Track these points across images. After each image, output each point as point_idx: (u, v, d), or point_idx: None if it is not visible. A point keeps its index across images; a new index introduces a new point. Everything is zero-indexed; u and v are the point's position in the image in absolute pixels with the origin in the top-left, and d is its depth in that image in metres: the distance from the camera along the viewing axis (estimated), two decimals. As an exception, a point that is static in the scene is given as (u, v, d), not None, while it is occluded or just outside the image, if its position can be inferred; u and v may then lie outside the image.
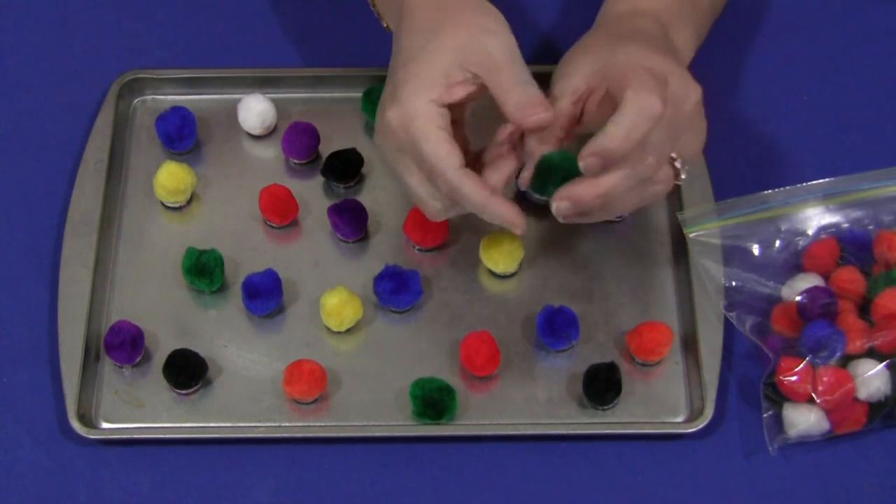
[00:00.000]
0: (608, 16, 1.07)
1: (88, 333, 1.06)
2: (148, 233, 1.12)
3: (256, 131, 1.16)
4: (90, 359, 1.06)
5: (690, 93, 0.97)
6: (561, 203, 0.97)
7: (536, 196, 1.08)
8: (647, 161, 0.95)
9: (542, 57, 1.20)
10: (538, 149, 0.99)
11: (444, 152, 0.95)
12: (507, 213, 0.97)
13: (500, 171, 0.98)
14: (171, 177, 1.11)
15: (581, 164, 0.95)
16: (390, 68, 1.00)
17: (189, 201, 1.13)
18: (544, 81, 1.18)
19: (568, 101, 1.00)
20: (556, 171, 0.99)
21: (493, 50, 0.96)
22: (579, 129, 1.01)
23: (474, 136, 1.03)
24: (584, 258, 1.11)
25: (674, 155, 0.98)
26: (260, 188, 1.12)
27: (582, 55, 1.02)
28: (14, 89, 1.20)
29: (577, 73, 1.00)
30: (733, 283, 1.07)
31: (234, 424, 1.04)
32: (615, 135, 0.93)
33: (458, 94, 0.97)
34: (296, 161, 1.15)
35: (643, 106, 0.93)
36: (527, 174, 1.00)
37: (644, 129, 0.93)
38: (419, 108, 0.95)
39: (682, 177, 0.99)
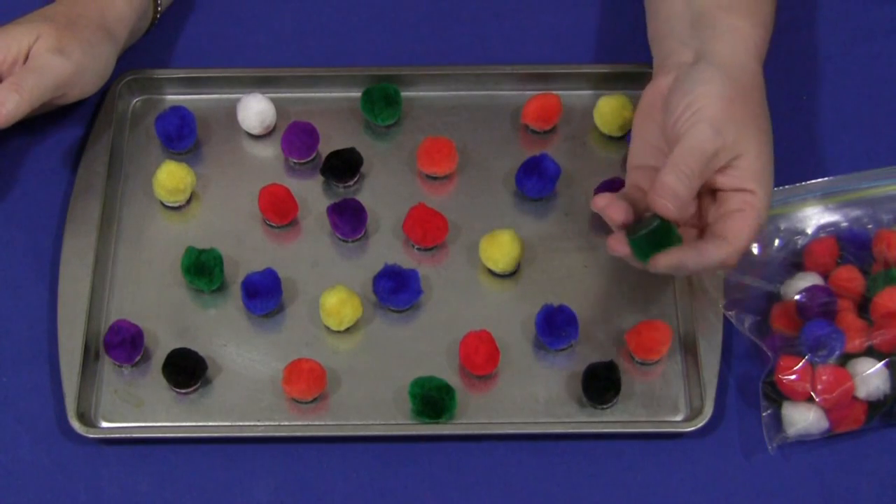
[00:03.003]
0: (673, 64, 1.05)
1: (88, 333, 1.06)
2: (147, 232, 1.13)
3: (256, 131, 1.16)
4: (90, 358, 1.06)
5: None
6: (658, 266, 0.99)
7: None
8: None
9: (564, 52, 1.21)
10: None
11: None
12: None
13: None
14: (171, 176, 1.11)
15: (659, 207, 0.97)
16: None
17: (188, 201, 1.13)
18: (549, 79, 1.19)
19: (638, 188, 1.02)
20: (648, 247, 0.99)
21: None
22: None
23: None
24: (584, 257, 1.11)
25: None
26: (259, 188, 1.12)
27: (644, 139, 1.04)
28: (14, 89, 1.20)
29: (644, 156, 1.03)
30: (732, 282, 1.07)
31: (234, 423, 1.04)
32: (737, 246, 0.98)
33: None
34: (295, 161, 1.15)
35: (752, 229, 0.98)
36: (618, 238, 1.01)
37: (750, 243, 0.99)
38: None
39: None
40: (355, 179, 1.14)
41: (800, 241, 1.09)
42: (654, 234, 0.97)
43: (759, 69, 1.04)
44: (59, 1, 1.14)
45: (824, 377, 1.02)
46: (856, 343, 1.03)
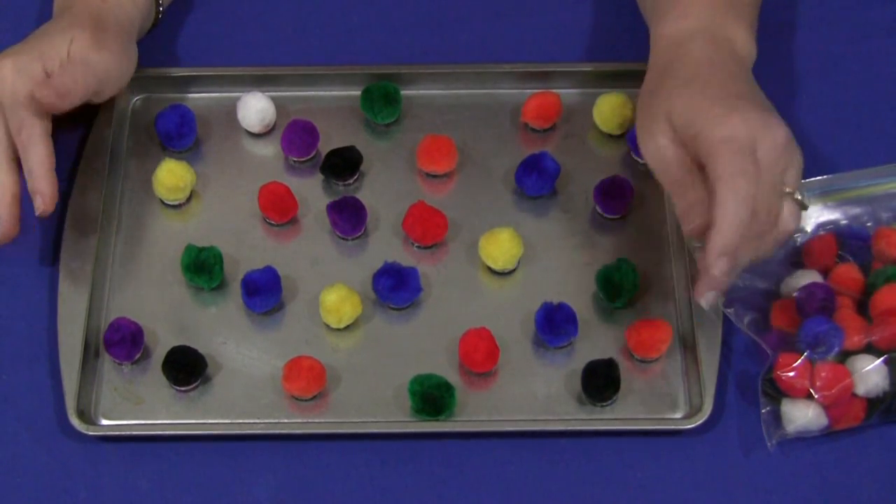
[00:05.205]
0: (661, 41, 1.06)
1: (88, 330, 1.06)
2: (147, 230, 1.13)
3: (256, 129, 1.16)
4: (90, 356, 1.06)
5: (777, 136, 0.97)
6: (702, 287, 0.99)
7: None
8: (761, 220, 0.97)
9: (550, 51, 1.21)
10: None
11: None
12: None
13: None
14: (171, 174, 1.12)
15: (717, 269, 0.96)
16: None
17: (188, 199, 1.14)
18: (539, 78, 1.19)
19: (680, 185, 0.99)
20: (617, 288, 1.06)
21: None
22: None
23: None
24: (583, 255, 1.11)
25: (788, 189, 0.98)
26: (259, 186, 1.12)
27: (658, 111, 1.00)
28: (14, 88, 1.20)
29: (660, 137, 0.99)
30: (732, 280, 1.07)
31: (234, 421, 1.04)
32: (726, 232, 0.95)
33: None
34: (295, 159, 1.15)
35: (738, 197, 0.95)
36: None
37: (746, 212, 0.95)
38: None
39: (807, 204, 1.00)
40: (355, 177, 1.14)
41: (799, 239, 1.09)
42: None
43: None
44: (73, 3, 1.13)
45: (823, 374, 1.02)
46: (855, 340, 1.03)
